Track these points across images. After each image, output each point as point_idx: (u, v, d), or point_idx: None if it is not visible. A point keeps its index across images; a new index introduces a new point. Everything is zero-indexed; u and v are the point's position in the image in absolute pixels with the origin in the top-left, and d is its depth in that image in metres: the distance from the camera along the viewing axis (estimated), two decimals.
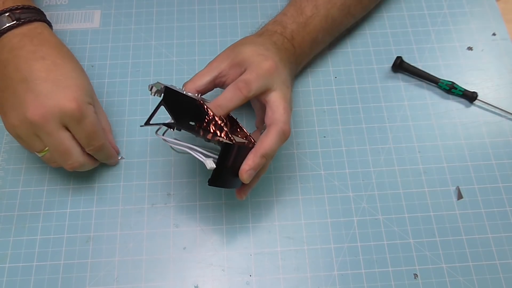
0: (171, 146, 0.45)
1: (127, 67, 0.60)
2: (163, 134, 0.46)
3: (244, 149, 0.44)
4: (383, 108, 0.58)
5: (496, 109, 0.57)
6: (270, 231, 0.51)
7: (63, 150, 0.47)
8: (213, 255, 0.50)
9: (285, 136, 0.45)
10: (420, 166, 0.54)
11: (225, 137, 0.43)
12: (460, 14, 0.64)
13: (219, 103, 0.44)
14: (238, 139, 0.46)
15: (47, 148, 0.47)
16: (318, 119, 0.57)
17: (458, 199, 0.52)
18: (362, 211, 0.52)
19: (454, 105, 0.58)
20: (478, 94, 0.57)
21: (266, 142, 0.44)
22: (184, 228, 0.51)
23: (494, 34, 0.62)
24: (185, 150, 0.44)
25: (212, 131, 0.43)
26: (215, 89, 0.49)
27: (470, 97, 0.58)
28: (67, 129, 0.47)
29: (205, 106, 0.44)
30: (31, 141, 0.47)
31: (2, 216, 0.51)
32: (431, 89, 0.59)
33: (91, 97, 0.49)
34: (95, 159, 0.51)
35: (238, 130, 0.48)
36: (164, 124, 0.45)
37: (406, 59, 0.60)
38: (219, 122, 0.43)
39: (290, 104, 0.47)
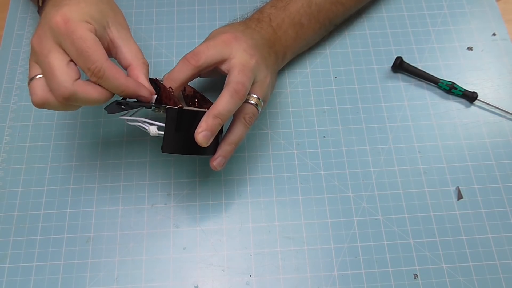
0: (128, 123, 0.47)
1: None
2: (131, 115, 0.48)
3: (202, 115, 0.44)
4: (383, 108, 0.58)
5: (496, 109, 0.57)
6: (270, 231, 0.51)
7: (48, 69, 0.41)
8: (213, 255, 0.50)
9: (238, 95, 0.45)
10: (420, 166, 0.54)
11: (169, 104, 0.44)
12: (460, 14, 0.64)
13: (170, 76, 0.47)
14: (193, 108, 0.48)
15: (36, 75, 0.42)
16: (318, 119, 0.57)
17: (458, 199, 0.52)
18: (362, 211, 0.52)
19: (454, 105, 0.58)
20: (478, 94, 0.57)
21: (218, 103, 0.44)
22: (184, 228, 0.51)
23: (494, 34, 0.62)
24: (138, 124, 0.45)
25: (163, 103, 0.45)
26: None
27: (470, 97, 0.58)
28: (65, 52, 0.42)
29: (159, 81, 0.46)
30: (30, 68, 0.43)
31: (2, 216, 0.51)
32: (431, 89, 0.59)
33: (91, 18, 0.42)
34: (105, 91, 0.43)
35: (206, 104, 0.50)
36: (116, 102, 0.45)
37: (406, 59, 0.60)
38: (170, 93, 0.45)
39: (250, 69, 0.47)
